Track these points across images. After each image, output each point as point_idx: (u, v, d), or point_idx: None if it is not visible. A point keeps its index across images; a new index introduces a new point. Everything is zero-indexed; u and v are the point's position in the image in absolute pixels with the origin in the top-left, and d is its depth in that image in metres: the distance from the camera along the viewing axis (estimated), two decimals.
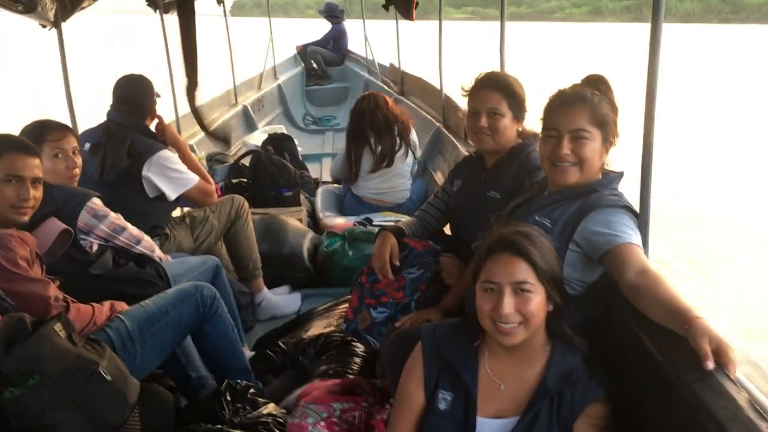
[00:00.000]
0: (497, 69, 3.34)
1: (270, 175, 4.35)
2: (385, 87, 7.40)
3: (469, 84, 2.45)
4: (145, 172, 2.94)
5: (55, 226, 2.24)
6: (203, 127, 5.20)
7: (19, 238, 2.00)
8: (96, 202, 2.46)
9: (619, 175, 1.95)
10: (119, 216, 2.54)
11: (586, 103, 1.87)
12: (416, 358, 1.73)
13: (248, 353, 2.74)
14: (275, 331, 3.00)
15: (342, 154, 4.45)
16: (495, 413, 1.64)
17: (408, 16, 5.27)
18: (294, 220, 3.87)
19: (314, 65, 9.90)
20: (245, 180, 4.44)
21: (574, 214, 1.85)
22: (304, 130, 8.19)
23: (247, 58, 8.05)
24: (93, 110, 3.52)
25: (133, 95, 3.08)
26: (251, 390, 2.25)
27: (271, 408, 2.20)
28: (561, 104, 1.92)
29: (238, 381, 2.27)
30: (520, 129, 2.43)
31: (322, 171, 5.91)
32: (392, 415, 1.76)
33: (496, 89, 2.37)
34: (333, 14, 10.22)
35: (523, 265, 1.56)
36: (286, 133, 5.90)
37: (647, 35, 1.84)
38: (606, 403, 1.59)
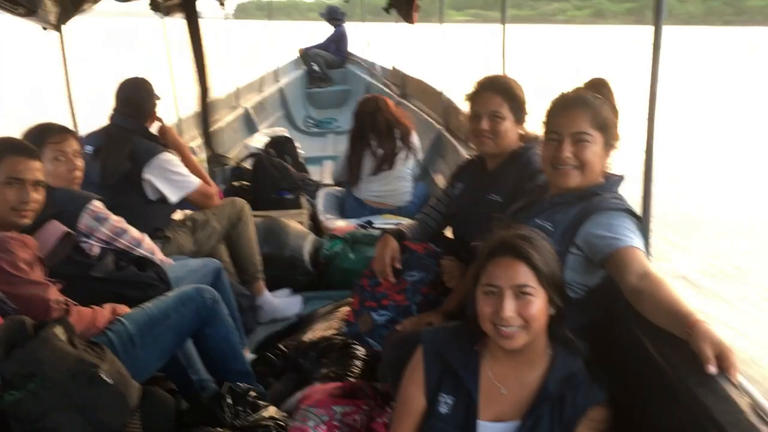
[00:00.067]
0: (498, 72, 3.34)
1: (271, 178, 4.35)
2: (386, 89, 7.40)
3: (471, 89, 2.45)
4: (146, 175, 2.95)
5: (56, 229, 2.24)
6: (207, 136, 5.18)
7: (20, 241, 1.99)
8: (97, 205, 2.46)
9: (621, 178, 1.94)
10: (120, 219, 2.54)
11: (587, 106, 1.87)
12: (417, 362, 1.73)
13: (249, 356, 2.74)
14: (276, 333, 2.99)
15: (344, 157, 4.45)
16: (496, 417, 1.64)
17: (408, 19, 5.27)
18: (295, 222, 3.87)
19: (315, 68, 9.90)
20: (246, 183, 4.43)
21: (575, 217, 1.85)
22: (305, 133, 8.19)
23: (248, 60, 8.05)
24: (93, 110, 3.53)
25: (133, 98, 3.09)
26: (252, 393, 2.25)
27: (272, 411, 2.20)
28: (563, 107, 1.92)
29: (239, 384, 2.26)
30: (521, 132, 2.42)
31: (324, 173, 5.90)
32: (393, 419, 1.76)
33: (498, 92, 2.36)
34: (334, 17, 10.24)
35: (524, 268, 1.56)
36: (287, 135, 5.90)
37: (649, 37, 1.85)
38: (607, 406, 1.59)
